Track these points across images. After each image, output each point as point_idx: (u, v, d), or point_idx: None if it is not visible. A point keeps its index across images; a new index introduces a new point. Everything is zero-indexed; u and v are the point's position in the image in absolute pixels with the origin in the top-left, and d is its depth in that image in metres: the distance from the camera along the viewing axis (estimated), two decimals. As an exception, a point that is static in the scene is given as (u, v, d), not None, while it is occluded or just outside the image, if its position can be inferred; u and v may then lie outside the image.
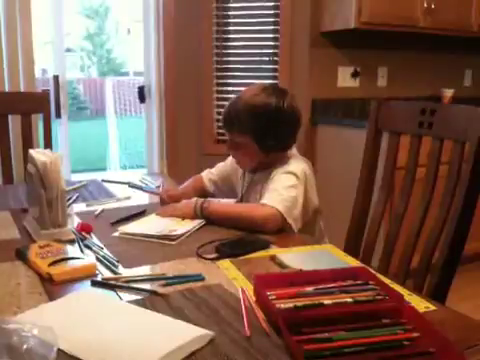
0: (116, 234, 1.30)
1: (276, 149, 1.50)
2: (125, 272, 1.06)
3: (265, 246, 1.21)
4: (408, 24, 3.00)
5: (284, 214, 1.34)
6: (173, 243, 1.24)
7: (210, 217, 1.38)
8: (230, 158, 1.69)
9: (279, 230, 1.34)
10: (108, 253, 1.15)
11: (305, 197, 1.44)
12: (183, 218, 1.39)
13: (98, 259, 1.12)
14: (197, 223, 1.36)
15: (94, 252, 1.16)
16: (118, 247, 1.21)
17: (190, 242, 1.24)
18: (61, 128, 2.88)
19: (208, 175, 1.74)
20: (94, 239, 1.25)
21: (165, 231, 1.28)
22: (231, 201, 1.60)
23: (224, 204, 1.51)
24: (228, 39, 3.13)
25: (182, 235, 1.28)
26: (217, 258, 1.13)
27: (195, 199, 1.45)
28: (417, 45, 3.39)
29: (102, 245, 1.21)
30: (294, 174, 1.43)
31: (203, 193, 1.69)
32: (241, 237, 1.26)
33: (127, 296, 0.95)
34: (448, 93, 3.37)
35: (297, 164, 1.49)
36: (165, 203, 1.55)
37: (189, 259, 1.13)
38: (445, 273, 1.27)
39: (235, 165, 1.63)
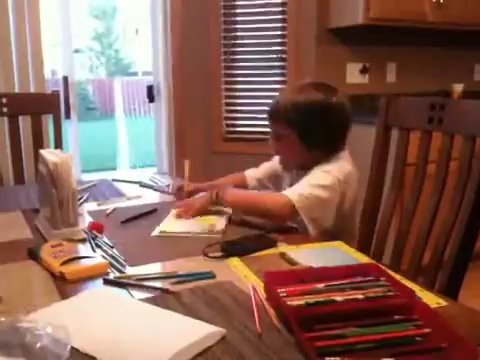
0: (155, 233, 1.30)
1: (320, 147, 1.42)
2: (131, 270, 1.06)
3: (272, 245, 1.20)
4: (417, 19, 2.99)
5: (298, 208, 1.30)
6: (219, 236, 1.27)
7: (225, 202, 1.38)
8: (276, 157, 1.65)
9: (289, 229, 1.32)
10: (116, 252, 1.15)
11: (342, 201, 1.39)
12: (201, 215, 1.41)
13: (105, 258, 1.11)
14: (225, 215, 1.40)
15: (103, 251, 1.17)
16: (126, 246, 1.21)
17: (195, 241, 1.24)
18: (71, 128, 2.90)
19: (250, 172, 1.71)
20: (104, 238, 1.26)
21: (202, 228, 1.32)
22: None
23: (240, 190, 1.48)
24: (236, 37, 3.13)
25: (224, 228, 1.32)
26: (222, 257, 1.13)
27: (208, 192, 1.46)
28: (426, 40, 3.36)
29: (111, 244, 1.21)
30: (331, 174, 1.37)
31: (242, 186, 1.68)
32: (247, 236, 1.26)
33: (139, 294, 0.95)
34: (458, 88, 3.35)
35: (340, 165, 1.41)
36: (181, 198, 1.55)
37: (198, 257, 1.13)
38: (456, 270, 1.26)
39: None
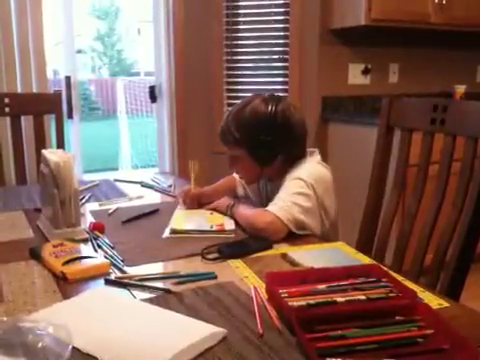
0: (166, 234, 1.30)
1: (272, 160, 1.42)
2: (132, 270, 1.06)
3: (267, 247, 1.20)
4: (419, 20, 2.98)
5: (285, 221, 1.27)
6: (232, 235, 1.28)
7: (233, 218, 1.39)
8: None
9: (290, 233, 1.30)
10: (115, 253, 1.15)
11: (321, 205, 1.36)
12: (212, 212, 1.44)
13: (106, 258, 1.12)
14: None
15: (103, 251, 1.17)
16: (127, 246, 1.21)
17: (193, 242, 1.24)
18: (73, 128, 2.90)
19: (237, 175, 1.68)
20: (105, 238, 1.26)
21: (213, 227, 1.32)
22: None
23: (243, 207, 1.43)
24: (238, 38, 3.13)
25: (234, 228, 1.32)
26: (217, 258, 1.12)
27: (224, 204, 1.46)
28: (428, 41, 3.36)
29: (112, 244, 1.21)
30: (302, 180, 1.34)
31: (234, 194, 1.66)
32: (243, 238, 1.26)
33: (140, 294, 0.95)
34: (460, 89, 3.34)
35: (308, 169, 1.39)
36: (187, 203, 1.53)
37: (199, 258, 1.13)
38: (458, 271, 1.26)
39: None
